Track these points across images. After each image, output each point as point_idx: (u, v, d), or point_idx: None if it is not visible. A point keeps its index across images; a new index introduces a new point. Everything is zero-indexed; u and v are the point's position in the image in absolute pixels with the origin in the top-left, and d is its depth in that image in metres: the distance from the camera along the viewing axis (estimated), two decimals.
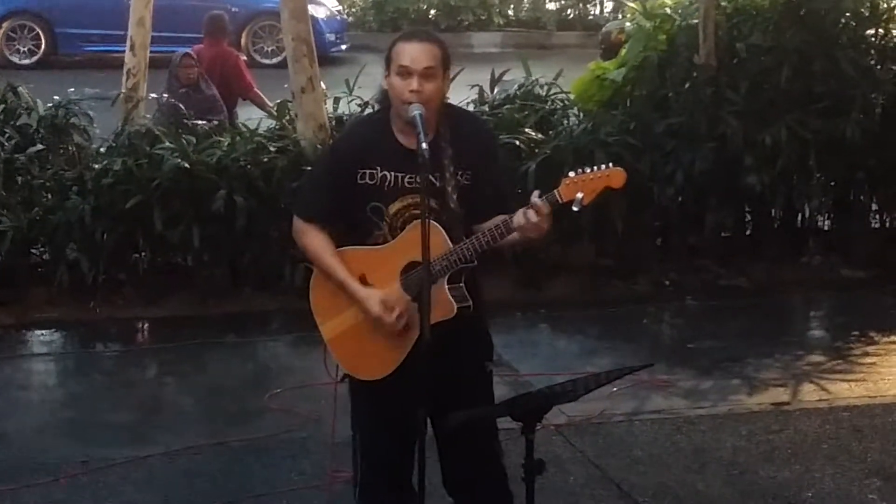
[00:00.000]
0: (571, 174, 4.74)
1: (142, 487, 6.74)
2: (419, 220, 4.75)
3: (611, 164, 4.81)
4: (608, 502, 6.59)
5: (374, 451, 5.23)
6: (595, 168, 4.76)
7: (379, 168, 4.97)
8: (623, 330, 9.47)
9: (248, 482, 6.78)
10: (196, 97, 12.25)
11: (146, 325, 9.54)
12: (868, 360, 8.79)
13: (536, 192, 4.77)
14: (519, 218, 4.76)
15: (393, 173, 4.96)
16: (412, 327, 4.91)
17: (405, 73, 4.87)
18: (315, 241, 5.07)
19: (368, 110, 9.17)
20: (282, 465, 6.99)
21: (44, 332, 9.40)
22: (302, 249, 5.19)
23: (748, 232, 11.05)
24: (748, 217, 11.03)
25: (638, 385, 8.00)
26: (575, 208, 4.69)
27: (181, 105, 11.75)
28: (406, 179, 4.93)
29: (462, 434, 5.08)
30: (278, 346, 9.20)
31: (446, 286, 4.89)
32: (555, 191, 4.73)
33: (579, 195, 4.68)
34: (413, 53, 4.90)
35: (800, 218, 11.07)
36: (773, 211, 10.89)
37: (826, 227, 11.22)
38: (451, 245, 4.85)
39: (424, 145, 4.70)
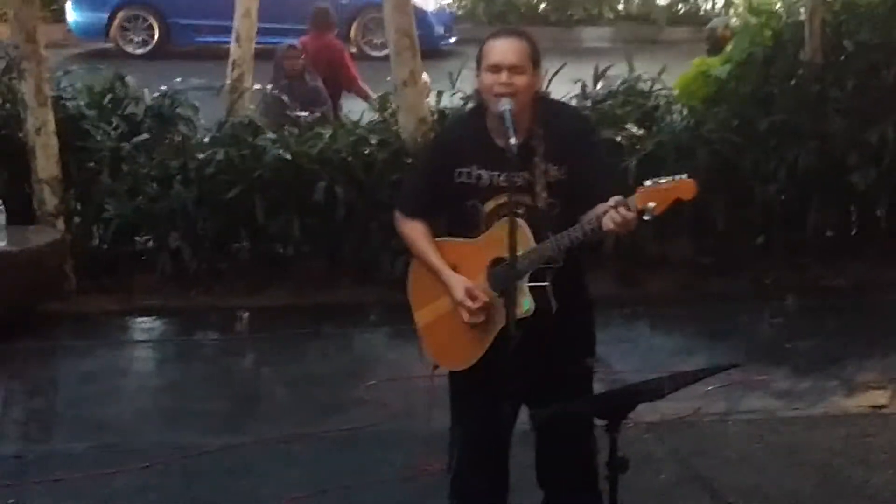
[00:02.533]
0: (647, 183, 4.71)
1: (233, 475, 6.82)
2: (506, 217, 4.80)
3: (684, 176, 4.75)
4: (698, 501, 6.54)
5: (468, 439, 5.27)
6: (669, 178, 4.73)
7: (475, 167, 5.03)
8: (721, 328, 9.40)
9: (339, 473, 6.81)
10: (300, 89, 12.32)
11: (245, 314, 9.64)
12: None
13: (615, 198, 4.74)
14: (608, 222, 4.73)
15: (488, 172, 5.00)
16: (495, 321, 4.93)
17: (494, 69, 4.91)
18: (414, 228, 5.18)
19: (471, 104, 9.17)
20: (373, 456, 7.02)
21: (145, 319, 9.56)
22: (402, 237, 5.28)
23: (852, 231, 10.90)
24: (852, 216, 10.88)
25: (733, 384, 7.91)
26: (646, 217, 4.66)
27: (284, 96, 11.85)
28: (501, 178, 4.96)
29: (555, 428, 5.11)
30: (375, 337, 9.25)
31: (527, 285, 4.90)
32: (630, 198, 4.71)
33: (651, 205, 4.65)
34: (502, 49, 4.94)
35: None
36: (877, 210, 10.72)
37: None
38: (533, 243, 4.86)
39: (513, 140, 4.74)
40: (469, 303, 4.95)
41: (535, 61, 4.98)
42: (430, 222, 5.18)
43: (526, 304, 4.88)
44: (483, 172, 5.01)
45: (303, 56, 12.56)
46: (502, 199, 4.96)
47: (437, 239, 5.14)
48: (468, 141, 5.09)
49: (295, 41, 13.01)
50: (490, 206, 5.02)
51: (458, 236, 5.12)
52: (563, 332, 5.04)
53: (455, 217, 5.14)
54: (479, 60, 5.01)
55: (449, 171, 5.06)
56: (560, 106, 5.44)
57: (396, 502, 6.49)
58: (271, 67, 12.53)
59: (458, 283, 5.00)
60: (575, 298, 5.10)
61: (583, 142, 5.15)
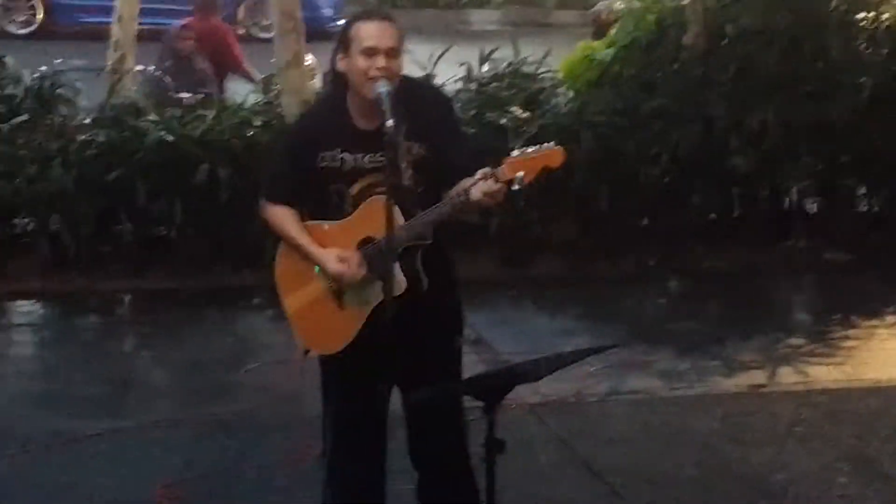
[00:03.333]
0: (515, 153, 4.71)
1: (112, 460, 6.72)
2: (373, 198, 4.84)
3: (551, 143, 4.76)
4: (578, 483, 6.56)
5: (342, 423, 5.26)
6: (536, 147, 4.73)
7: (338, 150, 5.00)
8: (604, 310, 9.47)
9: (220, 457, 6.76)
10: (188, 70, 12.24)
11: (127, 298, 9.53)
12: (848, 343, 8.80)
13: (483, 170, 4.74)
14: (476, 193, 4.72)
15: (352, 154, 4.99)
16: (367, 302, 4.95)
17: (371, 52, 4.86)
18: (279, 212, 5.14)
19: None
20: (253, 441, 6.96)
21: (24, 302, 9.41)
22: (269, 224, 5.23)
23: (734, 214, 11.01)
24: (734, 199, 10.99)
25: (615, 366, 7.98)
26: (515, 187, 4.65)
27: (170, 77, 11.76)
28: (366, 159, 4.95)
29: (426, 409, 5.12)
30: (258, 320, 9.19)
31: (397, 265, 4.90)
32: (497, 169, 4.70)
33: (520, 174, 4.65)
34: (377, 33, 4.89)
35: (786, 201, 11.03)
36: (758, 193, 10.85)
37: (812, 211, 11.18)
38: (402, 221, 4.85)
39: (390, 122, 4.70)
40: (346, 269, 4.93)
41: (403, 44, 4.97)
42: (296, 207, 5.13)
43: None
44: (346, 155, 4.99)
45: (192, 38, 12.47)
46: (368, 180, 4.95)
47: (304, 223, 5.11)
48: (329, 124, 5.05)
49: (179, 22, 12.87)
50: (356, 188, 5.00)
51: (322, 220, 5.09)
52: (432, 311, 5.04)
53: (318, 202, 5.10)
54: (345, 42, 4.94)
55: (311, 155, 5.02)
56: (417, 84, 5.39)
57: (277, 487, 6.43)
58: (154, 49, 12.40)
59: (330, 254, 4.98)
60: (442, 277, 5.09)
61: (444, 118, 5.16)
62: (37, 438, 6.93)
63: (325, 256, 5.00)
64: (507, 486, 5.99)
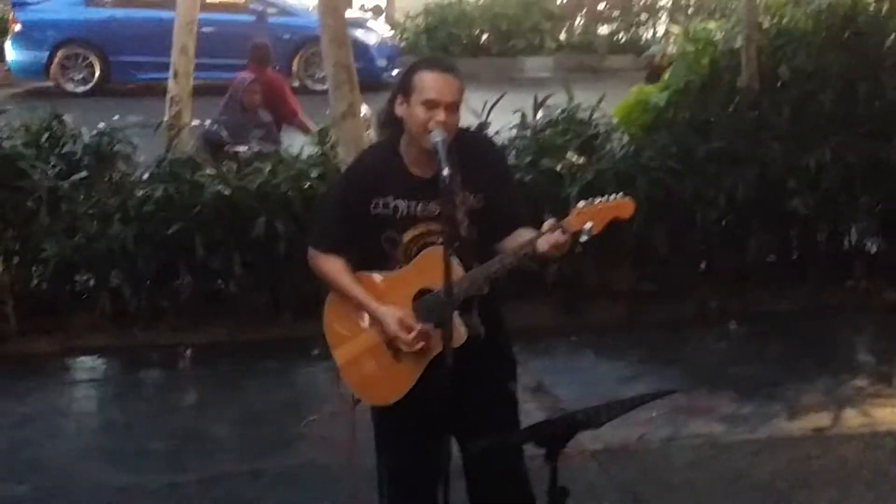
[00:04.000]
0: (581, 204, 4.73)
1: None
2: (432, 248, 4.80)
3: (620, 194, 4.77)
4: None
5: (398, 476, 5.26)
6: (605, 197, 4.73)
7: (392, 197, 4.99)
8: (665, 354, 9.41)
9: None
10: (250, 123, 12.37)
11: (187, 351, 9.56)
12: None
13: (549, 221, 4.75)
14: (543, 245, 4.74)
15: (406, 202, 4.98)
16: (424, 353, 4.91)
17: (432, 105, 4.85)
18: (331, 263, 5.11)
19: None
20: (315, 492, 6.99)
21: (86, 358, 9.46)
22: (318, 274, 5.21)
23: (793, 256, 10.95)
24: (793, 241, 10.93)
25: (676, 410, 7.95)
26: (583, 238, 4.66)
27: (226, 131, 11.88)
28: (419, 208, 4.94)
29: (487, 458, 5.09)
30: (318, 371, 9.16)
31: (457, 314, 4.89)
32: (564, 220, 4.71)
33: (587, 225, 4.66)
34: (441, 86, 4.88)
35: (846, 242, 10.96)
36: (818, 235, 10.78)
37: (872, 251, 11.10)
38: (462, 272, 4.85)
39: (446, 171, 4.70)
40: (404, 334, 4.92)
41: (461, 96, 4.97)
42: (346, 257, 5.09)
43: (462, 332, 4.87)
44: (400, 202, 4.98)
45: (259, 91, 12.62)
46: (420, 228, 4.94)
47: (356, 273, 5.07)
48: (383, 171, 5.02)
49: (244, 75, 12.97)
50: (408, 236, 4.99)
51: (372, 269, 5.07)
52: (486, 359, 5.03)
53: (367, 250, 5.07)
54: (405, 88, 4.92)
55: (364, 202, 5.00)
56: (472, 134, 5.38)
57: None
58: (207, 104, 12.50)
59: (391, 315, 4.95)
60: (493, 324, 5.09)
61: (498, 170, 5.18)
62: (100, 494, 7.01)
63: (385, 316, 4.97)
64: None
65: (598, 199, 4.73)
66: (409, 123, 4.92)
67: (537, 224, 5.02)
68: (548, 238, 4.71)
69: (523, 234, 4.91)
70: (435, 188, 4.76)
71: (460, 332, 4.90)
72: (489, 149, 5.35)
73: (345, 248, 5.10)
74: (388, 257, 5.03)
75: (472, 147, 5.08)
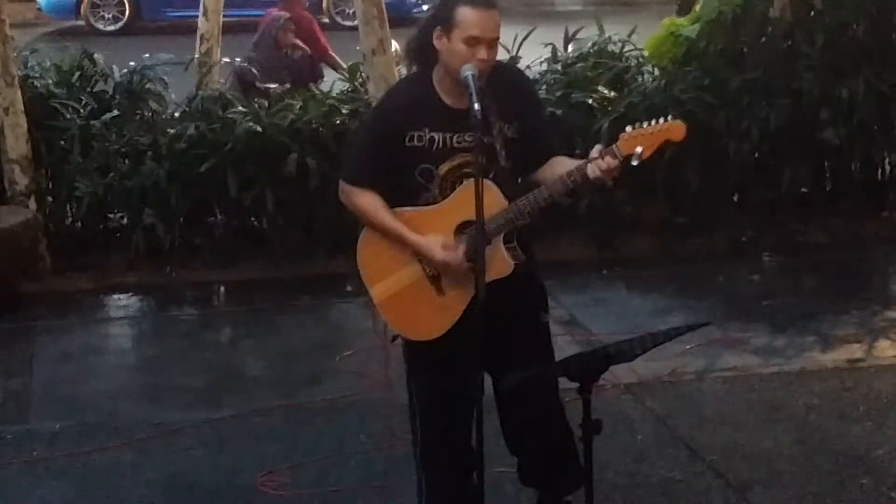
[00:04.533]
0: (629, 128, 4.71)
1: (212, 450, 6.82)
2: (471, 179, 4.74)
3: (670, 117, 4.75)
4: (676, 461, 6.51)
5: (432, 412, 5.25)
6: (654, 122, 4.71)
7: (427, 130, 4.95)
8: (698, 288, 9.38)
9: (318, 444, 6.82)
10: (291, 60, 12.37)
11: (221, 289, 9.64)
12: None
13: (597, 147, 4.74)
14: (594, 170, 4.72)
15: (441, 134, 4.94)
16: (467, 287, 4.89)
17: (474, 42, 4.81)
18: (366, 199, 5.06)
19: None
20: (351, 426, 7.01)
21: (121, 296, 9.55)
22: (352, 209, 5.18)
23: (827, 187, 10.89)
24: (826, 172, 10.87)
25: (710, 343, 7.94)
26: (634, 163, 4.65)
27: (257, 68, 11.87)
28: (455, 139, 4.91)
29: (521, 391, 5.10)
30: (352, 307, 9.20)
31: (502, 245, 4.88)
32: (613, 145, 4.70)
33: (638, 149, 4.64)
34: (485, 23, 4.83)
35: (879, 172, 10.90)
36: (851, 165, 10.71)
37: None
38: (505, 202, 4.84)
39: (477, 105, 4.69)
40: (453, 258, 4.90)
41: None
42: (381, 191, 5.04)
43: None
44: (436, 135, 4.94)
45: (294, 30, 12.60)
46: (457, 160, 4.91)
47: (394, 209, 5.04)
48: (417, 103, 4.99)
49: (280, 13, 12.93)
50: (444, 168, 4.96)
51: (404, 204, 5.03)
52: (520, 291, 5.03)
53: (401, 184, 5.03)
54: (447, 23, 4.85)
55: (399, 135, 4.96)
56: (502, 66, 5.31)
57: (375, 472, 6.47)
58: (241, 41, 12.48)
59: (434, 243, 4.93)
60: (527, 252, 5.08)
61: (530, 100, 5.18)
62: (138, 430, 7.04)
63: (428, 245, 4.94)
64: (605, 465, 6.05)
65: (646, 124, 4.71)
66: (449, 58, 4.87)
67: (571, 154, 5.01)
68: (599, 164, 4.69)
69: (562, 163, 4.88)
70: (470, 120, 4.73)
71: (508, 263, 4.89)
72: (520, 80, 5.32)
73: (379, 182, 5.05)
74: (423, 191, 5.00)
75: (503, 78, 5.05)
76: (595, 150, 4.74)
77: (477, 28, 4.81)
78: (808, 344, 8.17)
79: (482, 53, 4.80)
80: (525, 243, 5.06)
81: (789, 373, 7.66)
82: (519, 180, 4.99)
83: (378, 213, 5.04)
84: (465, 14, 4.83)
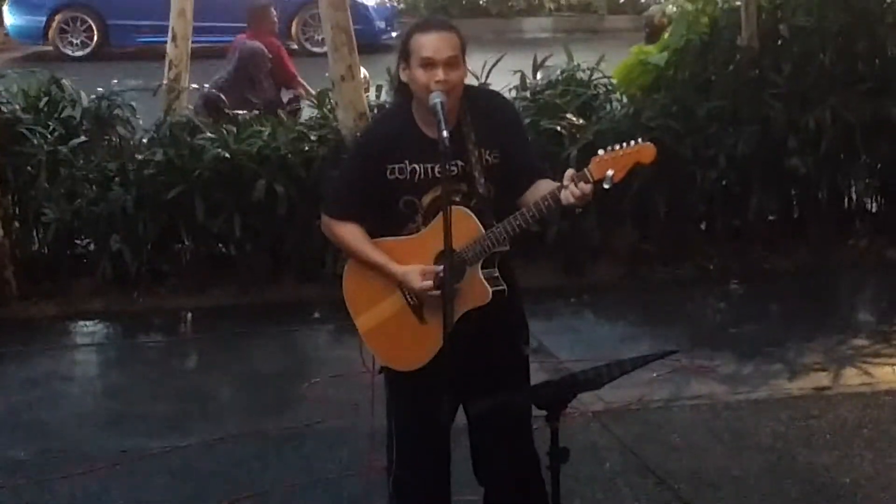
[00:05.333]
0: (601, 152, 4.71)
1: (178, 477, 6.79)
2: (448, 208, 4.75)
3: (639, 140, 4.76)
4: (644, 489, 6.53)
5: (408, 439, 5.24)
6: (624, 144, 4.72)
7: (408, 162, 4.96)
8: (665, 315, 9.41)
9: (285, 471, 6.80)
10: (251, 87, 12.33)
11: (189, 315, 9.58)
12: None
13: (569, 172, 4.74)
14: (567, 196, 4.72)
15: (422, 165, 4.95)
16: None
17: (429, 64, 4.85)
18: (347, 230, 5.08)
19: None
20: (319, 454, 7.00)
21: (87, 322, 9.49)
22: (334, 241, 5.21)
23: (794, 215, 10.94)
24: (794, 200, 10.92)
25: (677, 371, 7.97)
26: (606, 186, 4.64)
27: (224, 94, 11.85)
28: (437, 170, 4.89)
29: (492, 421, 5.09)
30: (319, 335, 9.20)
31: (480, 271, 4.88)
32: (585, 169, 4.70)
33: (610, 172, 4.64)
34: (435, 44, 4.87)
35: (846, 200, 10.95)
36: (818, 194, 10.75)
37: (873, 210, 11.09)
38: (482, 230, 4.84)
39: (445, 133, 4.70)
40: (429, 283, 4.91)
41: (463, 52, 4.95)
42: (362, 224, 5.06)
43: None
44: (417, 166, 4.95)
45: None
46: (439, 190, 4.90)
47: (373, 240, 5.06)
48: (397, 136, 5.01)
49: (231, 39, 12.93)
50: (428, 198, 4.96)
51: (390, 234, 5.04)
52: (500, 321, 5.03)
53: (384, 216, 5.05)
54: (405, 53, 4.93)
55: (380, 168, 4.97)
56: (482, 91, 5.41)
57: (342, 500, 6.46)
58: (207, 66, 12.45)
59: (412, 272, 4.93)
60: (509, 282, 5.08)
61: (511, 125, 5.15)
62: (103, 457, 7.00)
63: (406, 274, 4.95)
64: (572, 493, 6.04)
65: (617, 146, 4.71)
66: (414, 87, 4.92)
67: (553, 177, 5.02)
68: (572, 189, 4.69)
69: (544, 186, 4.89)
70: (451, 149, 4.74)
71: (486, 290, 4.88)
72: (501, 104, 5.30)
73: (360, 214, 5.08)
74: (408, 221, 5.01)
75: (483, 103, 5.09)
76: (567, 176, 4.74)
77: (429, 49, 4.85)
78: (775, 371, 8.20)
79: (439, 74, 4.83)
80: (508, 273, 5.06)
81: (756, 400, 7.68)
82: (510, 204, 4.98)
83: (358, 244, 5.06)
84: (418, 39, 4.90)
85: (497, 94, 5.59)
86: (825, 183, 10.57)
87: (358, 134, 9.50)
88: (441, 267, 4.86)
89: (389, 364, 5.17)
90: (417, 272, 4.92)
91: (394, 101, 5.23)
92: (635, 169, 4.75)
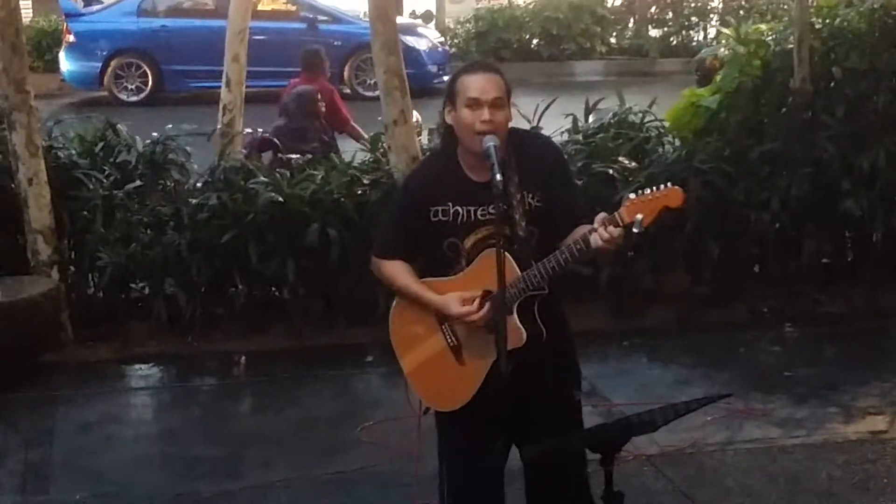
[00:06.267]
0: (632, 195, 4.73)
1: None
2: (488, 250, 4.81)
3: (669, 184, 4.77)
4: None
5: (458, 481, 5.26)
6: (653, 189, 4.73)
7: (451, 204, 5.02)
8: (719, 358, 9.35)
9: None
10: (314, 130, 12.38)
11: (242, 359, 9.61)
12: None
13: (601, 215, 4.75)
14: (596, 240, 4.74)
15: (465, 208, 5.01)
16: (486, 356, 4.91)
17: (475, 104, 4.92)
18: (392, 267, 5.19)
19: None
20: (371, 498, 7.01)
21: (142, 366, 9.51)
22: (382, 280, 5.29)
23: (848, 258, 10.89)
24: (848, 242, 10.87)
25: (732, 414, 7.92)
26: (635, 230, 4.67)
27: (280, 139, 11.90)
28: (479, 212, 4.96)
29: (549, 464, 5.09)
30: (372, 378, 9.21)
31: (516, 315, 4.89)
32: (616, 213, 4.72)
33: (639, 216, 4.66)
34: (481, 85, 4.94)
35: None
36: (873, 236, 10.71)
37: None
38: (518, 272, 4.86)
39: (499, 177, 4.73)
40: (469, 309, 4.94)
41: (508, 95, 5.00)
42: (409, 262, 5.16)
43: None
44: (460, 209, 5.02)
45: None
46: (482, 233, 4.96)
47: (422, 279, 5.13)
48: (441, 178, 5.09)
49: (285, 83, 13.01)
50: (470, 241, 5.02)
51: (438, 276, 5.10)
52: (549, 364, 5.03)
53: (432, 257, 5.13)
54: (451, 96, 5.00)
55: (424, 210, 5.06)
56: (528, 134, 5.44)
57: None
58: (260, 110, 12.52)
59: (451, 298, 4.99)
60: (557, 328, 5.09)
61: (555, 168, 5.17)
62: (158, 501, 7.04)
63: (446, 301, 5.01)
64: None
65: (647, 191, 4.73)
66: (459, 129, 4.98)
67: None
68: (601, 233, 4.72)
69: (582, 230, 4.91)
70: (498, 193, 4.78)
71: (521, 333, 4.90)
72: (546, 148, 5.33)
73: (406, 255, 5.19)
74: (453, 263, 5.07)
75: (529, 147, 5.13)
76: (598, 219, 4.76)
77: (475, 90, 4.92)
78: (830, 415, 8.14)
79: (484, 115, 4.89)
80: (556, 315, 5.08)
81: (812, 444, 7.63)
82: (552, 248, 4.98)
83: (401, 277, 5.16)
84: (464, 81, 4.98)
85: (542, 137, 5.63)
86: (879, 225, 10.51)
87: (405, 176, 9.59)
88: (480, 293, 4.93)
89: (431, 404, 5.24)
90: (456, 298, 4.98)
91: (440, 144, 5.26)
92: (664, 212, 4.75)
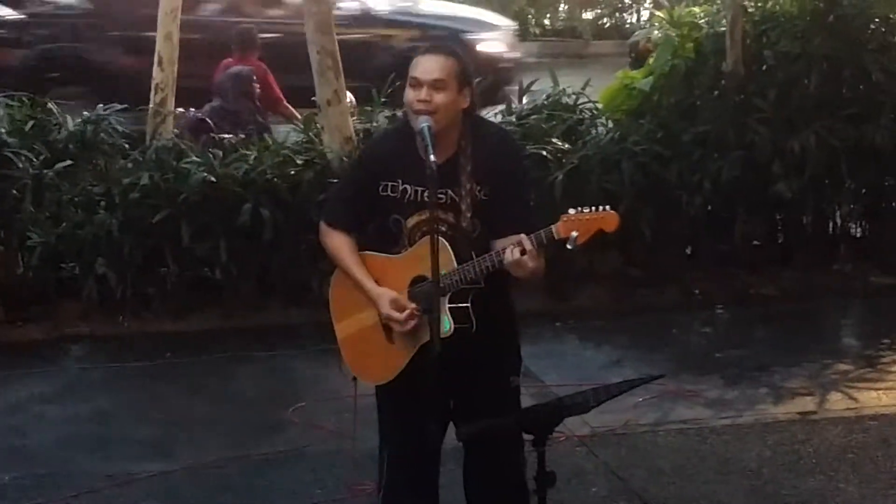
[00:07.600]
0: (571, 211, 4.72)
1: (164, 502, 6.77)
2: (428, 236, 4.77)
3: (607, 207, 4.74)
4: None
5: (396, 460, 5.26)
6: (592, 209, 4.72)
7: (401, 181, 5.01)
8: (651, 339, 9.42)
9: (271, 496, 6.80)
10: (247, 111, 12.27)
11: (174, 339, 9.55)
12: None
13: (521, 236, 4.74)
14: (508, 255, 4.75)
15: (413, 187, 4.99)
16: (416, 337, 4.93)
17: (416, 84, 4.91)
18: (337, 240, 5.17)
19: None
20: (304, 478, 6.99)
21: (73, 346, 9.45)
22: (325, 248, 5.26)
23: (779, 240, 10.98)
24: (779, 225, 10.96)
25: (663, 395, 7.98)
26: (569, 246, 4.68)
27: (213, 119, 11.80)
28: (426, 194, 4.91)
29: (483, 446, 5.10)
30: (305, 358, 9.17)
31: (447, 305, 4.88)
32: (552, 227, 4.71)
33: (574, 234, 4.66)
34: (425, 65, 4.93)
35: (831, 225, 10.98)
36: (803, 218, 10.81)
37: (857, 234, 11.13)
38: (455, 264, 4.85)
39: (432, 157, 4.72)
40: (396, 314, 4.93)
41: (461, 80, 4.96)
42: (355, 235, 5.15)
43: (446, 324, 4.85)
44: (408, 187, 4.99)
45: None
46: (425, 215, 4.91)
47: (361, 252, 5.12)
48: (395, 154, 5.07)
49: (233, 66, 12.88)
50: (412, 221, 5.01)
51: (380, 251, 5.10)
52: (486, 351, 5.01)
53: (378, 232, 5.13)
54: (407, 74, 5.00)
55: (374, 183, 5.05)
56: (489, 126, 5.34)
57: None
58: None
59: (384, 296, 4.98)
60: (498, 317, 5.08)
61: (507, 165, 5.10)
62: (89, 482, 6.97)
63: (378, 296, 5.00)
64: None
65: (586, 209, 4.71)
66: (406, 107, 5.01)
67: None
68: (516, 252, 4.72)
69: (516, 240, 4.85)
70: (445, 175, 4.78)
71: (444, 324, 4.88)
72: (504, 143, 5.24)
73: (352, 225, 5.18)
74: (397, 239, 5.07)
75: (486, 138, 5.08)
76: (516, 239, 4.75)
77: (417, 70, 4.93)
78: (761, 396, 8.22)
79: (421, 94, 4.88)
80: (494, 306, 5.05)
81: (742, 425, 7.70)
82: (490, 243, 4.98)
83: (344, 254, 5.14)
84: (415, 60, 4.99)
85: (503, 133, 5.53)
86: (810, 208, 10.62)
87: (329, 153, 9.57)
88: (415, 295, 4.94)
89: (357, 375, 5.26)
90: (388, 300, 4.96)
91: (401, 119, 5.26)
92: (598, 234, 4.75)
